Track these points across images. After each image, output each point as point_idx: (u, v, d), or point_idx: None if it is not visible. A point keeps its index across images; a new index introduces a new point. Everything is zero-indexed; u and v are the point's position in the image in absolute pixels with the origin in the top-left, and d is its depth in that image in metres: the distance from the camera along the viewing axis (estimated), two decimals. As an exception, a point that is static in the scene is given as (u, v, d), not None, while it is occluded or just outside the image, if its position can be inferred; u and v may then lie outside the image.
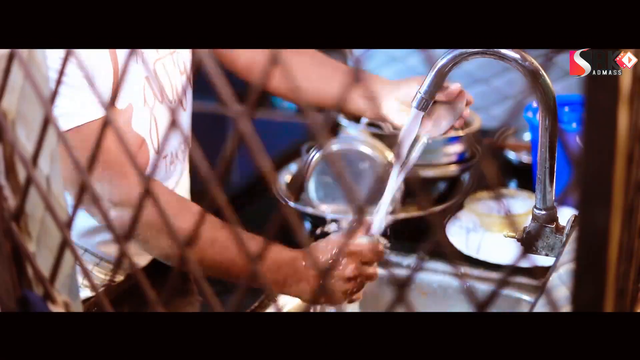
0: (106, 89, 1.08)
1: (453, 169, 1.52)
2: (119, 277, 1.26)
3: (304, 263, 1.10)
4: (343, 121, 1.59)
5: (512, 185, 1.65)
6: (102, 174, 1.03)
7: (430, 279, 1.32)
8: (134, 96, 1.14)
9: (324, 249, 1.11)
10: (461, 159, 1.54)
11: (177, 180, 1.28)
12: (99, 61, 1.07)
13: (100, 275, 1.25)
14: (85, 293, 0.92)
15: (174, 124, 0.46)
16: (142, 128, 1.16)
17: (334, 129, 1.62)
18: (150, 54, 1.18)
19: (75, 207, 0.54)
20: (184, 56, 1.26)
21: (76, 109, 1.02)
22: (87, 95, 1.02)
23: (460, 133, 1.53)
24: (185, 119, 1.29)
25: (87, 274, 0.58)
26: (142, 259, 1.28)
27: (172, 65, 1.23)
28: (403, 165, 1.19)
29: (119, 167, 1.05)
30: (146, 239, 1.07)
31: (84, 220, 1.15)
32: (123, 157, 1.06)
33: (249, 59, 1.34)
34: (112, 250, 1.22)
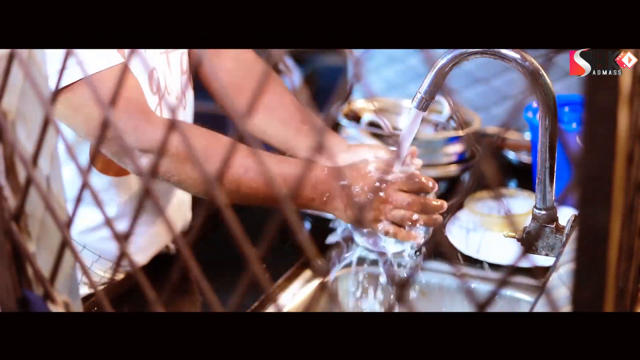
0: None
1: (453, 169, 1.52)
2: (119, 275, 1.26)
3: (342, 180, 1.11)
4: (343, 121, 1.59)
5: (512, 185, 1.65)
6: (127, 123, 1.04)
7: (430, 279, 1.32)
8: (143, 86, 1.15)
9: (362, 170, 1.12)
10: (461, 159, 1.54)
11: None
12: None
13: (99, 272, 1.25)
14: (85, 290, 0.92)
15: (174, 123, 0.46)
16: None
17: (334, 129, 1.62)
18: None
19: (77, 203, 0.54)
20: (185, 55, 1.27)
21: (94, 57, 1.04)
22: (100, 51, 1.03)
23: (460, 133, 1.53)
24: (187, 119, 1.30)
25: (86, 272, 0.58)
26: (141, 257, 1.28)
27: (175, 62, 1.23)
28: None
29: (141, 114, 1.06)
30: (180, 177, 1.07)
31: (84, 217, 1.15)
32: (144, 104, 1.07)
33: (219, 87, 1.35)
34: (112, 247, 1.22)
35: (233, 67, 1.34)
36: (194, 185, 1.09)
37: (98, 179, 1.18)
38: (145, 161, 1.05)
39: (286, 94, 1.33)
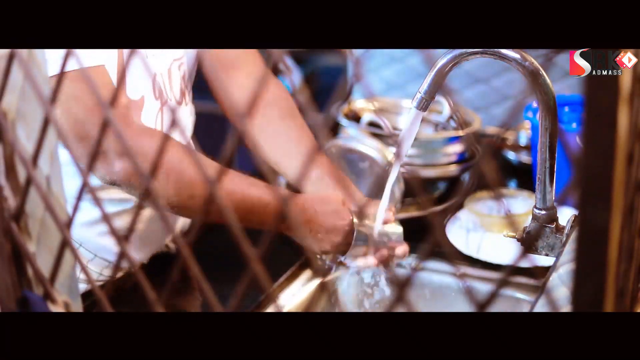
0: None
1: (453, 169, 1.52)
2: (119, 274, 1.26)
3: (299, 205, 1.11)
4: (343, 121, 1.59)
5: (512, 185, 1.65)
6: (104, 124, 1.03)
7: (430, 279, 1.32)
8: (146, 90, 1.15)
9: (333, 206, 1.12)
10: (461, 159, 1.54)
11: None
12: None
13: (94, 271, 1.25)
14: (83, 286, 0.92)
15: (174, 123, 0.46)
16: (150, 124, 1.17)
17: (334, 129, 1.62)
18: (167, 53, 1.19)
19: (77, 202, 0.53)
20: (183, 65, 1.27)
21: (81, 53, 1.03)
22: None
23: (460, 133, 1.53)
24: (186, 119, 1.29)
25: (85, 271, 0.58)
26: (141, 255, 1.27)
27: (175, 69, 1.23)
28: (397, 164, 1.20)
29: (120, 116, 1.04)
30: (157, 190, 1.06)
31: (82, 211, 1.15)
32: (123, 108, 1.06)
33: (227, 99, 1.34)
34: (109, 243, 1.21)
35: (247, 83, 1.31)
36: (164, 197, 1.06)
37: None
38: (119, 166, 1.03)
39: (293, 117, 1.30)
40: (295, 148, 1.27)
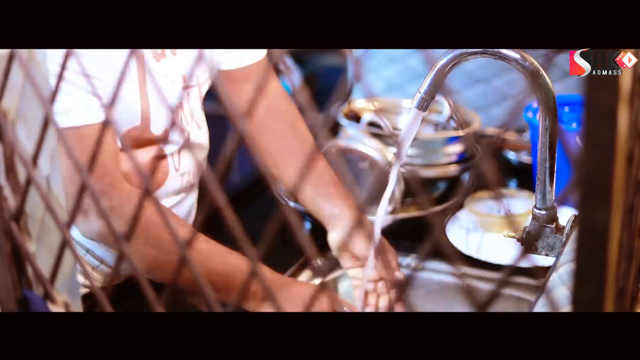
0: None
1: (453, 169, 1.52)
2: (119, 279, 1.26)
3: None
4: (343, 121, 1.59)
5: (512, 185, 1.65)
6: (92, 185, 1.03)
7: (430, 279, 1.32)
8: (168, 122, 1.15)
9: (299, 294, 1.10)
10: (461, 159, 1.54)
11: (188, 193, 1.28)
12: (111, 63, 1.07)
13: (99, 278, 1.25)
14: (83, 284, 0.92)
15: (174, 123, 0.46)
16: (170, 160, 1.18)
17: (334, 129, 1.62)
18: (181, 64, 1.18)
19: (75, 211, 0.54)
20: (204, 86, 1.27)
21: (76, 107, 1.02)
22: (88, 96, 1.02)
23: (460, 133, 1.53)
24: (202, 139, 1.29)
25: (86, 274, 0.58)
26: None
27: (195, 93, 1.24)
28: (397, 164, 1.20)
29: (111, 178, 1.05)
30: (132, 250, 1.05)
31: None
32: (115, 172, 1.07)
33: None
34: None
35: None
36: (142, 260, 1.07)
37: None
38: (97, 225, 1.04)
39: (298, 130, 1.29)
40: (297, 161, 1.27)
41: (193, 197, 1.31)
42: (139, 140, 1.13)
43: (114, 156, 1.08)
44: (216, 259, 1.07)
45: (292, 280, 1.18)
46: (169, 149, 1.19)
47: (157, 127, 1.14)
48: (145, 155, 1.13)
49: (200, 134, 1.27)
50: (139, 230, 1.00)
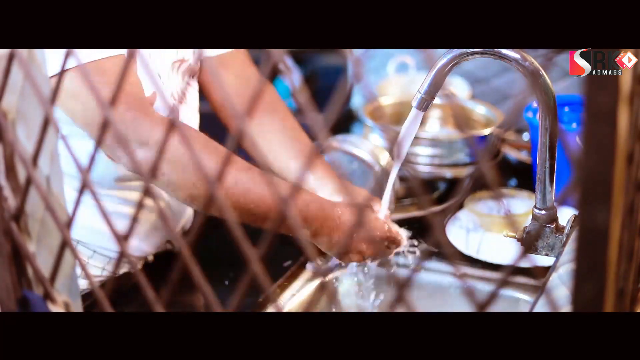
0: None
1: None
2: (122, 270, 1.26)
3: (336, 211, 1.11)
4: (368, 121, 1.59)
5: (512, 184, 1.65)
6: (124, 114, 1.02)
7: (430, 279, 1.32)
8: (157, 87, 1.15)
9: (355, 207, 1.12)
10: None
11: None
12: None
13: (96, 269, 1.25)
14: (83, 284, 0.92)
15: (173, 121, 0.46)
16: None
17: (335, 129, 1.62)
18: (166, 54, 1.19)
19: (77, 203, 0.53)
20: (184, 63, 1.27)
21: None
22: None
23: (485, 132, 1.53)
24: (190, 116, 1.29)
25: (85, 270, 0.58)
26: (147, 245, 1.27)
27: (176, 67, 1.24)
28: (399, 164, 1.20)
29: (140, 107, 1.05)
30: (171, 178, 1.05)
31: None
32: (143, 99, 1.07)
33: (221, 99, 1.34)
34: (109, 239, 1.22)
35: (235, 83, 1.32)
36: (183, 188, 1.06)
37: (105, 167, 1.17)
38: (141, 154, 1.03)
39: (287, 118, 1.31)
40: (291, 151, 1.28)
41: None
42: None
43: (139, 86, 1.08)
44: (260, 185, 1.07)
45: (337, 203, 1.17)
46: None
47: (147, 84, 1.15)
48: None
49: (185, 112, 1.28)
50: (178, 158, 1.01)
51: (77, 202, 0.54)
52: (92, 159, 0.52)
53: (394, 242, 1.19)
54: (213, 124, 1.32)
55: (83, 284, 0.69)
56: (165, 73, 1.20)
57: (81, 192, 0.53)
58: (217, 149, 1.08)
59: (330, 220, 1.12)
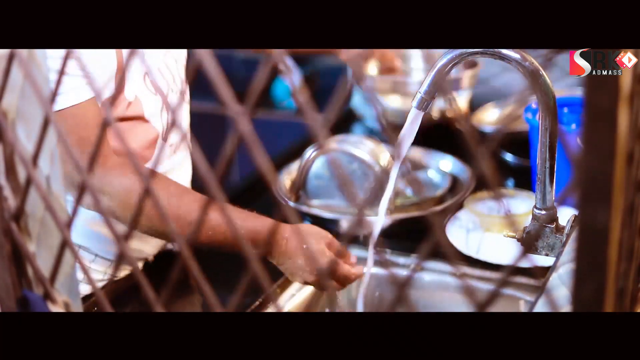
0: (104, 77, 1.09)
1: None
2: (123, 272, 1.26)
3: (284, 236, 1.08)
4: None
5: (511, 185, 1.65)
6: (81, 161, 1.03)
7: (430, 279, 1.32)
8: (138, 87, 1.15)
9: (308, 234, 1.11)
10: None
11: (179, 168, 1.28)
12: (102, 52, 1.08)
13: (98, 273, 1.25)
14: (85, 289, 0.92)
15: (174, 115, 0.46)
16: (154, 117, 1.18)
17: (335, 129, 1.62)
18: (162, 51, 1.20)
19: (77, 203, 0.54)
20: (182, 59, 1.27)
21: (67, 90, 1.03)
22: (79, 80, 1.03)
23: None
24: (185, 113, 1.30)
25: (86, 272, 0.58)
26: (149, 248, 1.27)
27: (178, 55, 1.25)
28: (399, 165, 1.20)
29: (110, 158, 1.06)
30: (124, 218, 1.07)
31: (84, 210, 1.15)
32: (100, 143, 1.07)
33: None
34: (102, 229, 1.22)
35: None
36: (139, 225, 1.07)
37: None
38: (88, 200, 1.05)
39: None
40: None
41: (185, 173, 1.31)
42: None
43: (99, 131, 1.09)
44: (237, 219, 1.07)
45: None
46: (154, 118, 1.20)
47: (128, 93, 1.16)
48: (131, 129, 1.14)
49: (184, 111, 1.28)
50: (132, 204, 1.01)
51: (76, 206, 0.54)
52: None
53: (346, 277, 1.11)
54: (212, 124, 1.32)
55: (86, 289, 0.69)
56: (161, 68, 1.21)
57: (80, 194, 0.53)
58: (168, 186, 1.10)
59: (277, 245, 1.09)
